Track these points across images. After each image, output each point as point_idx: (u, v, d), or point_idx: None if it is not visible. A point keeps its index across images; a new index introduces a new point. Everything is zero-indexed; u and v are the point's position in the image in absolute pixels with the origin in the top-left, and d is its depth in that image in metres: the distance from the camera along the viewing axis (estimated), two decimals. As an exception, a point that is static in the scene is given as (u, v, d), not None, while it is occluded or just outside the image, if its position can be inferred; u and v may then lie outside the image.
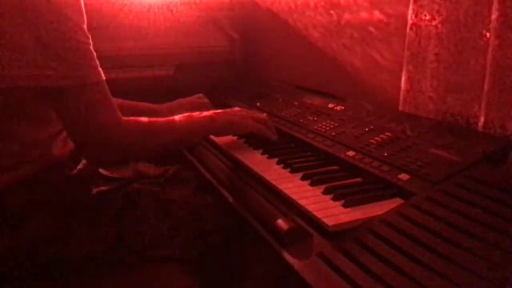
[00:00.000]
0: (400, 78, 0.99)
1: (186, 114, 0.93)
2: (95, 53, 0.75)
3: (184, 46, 1.59)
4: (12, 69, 0.68)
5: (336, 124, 0.97)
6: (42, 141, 0.79)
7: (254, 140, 1.01)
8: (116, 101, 1.14)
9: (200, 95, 1.30)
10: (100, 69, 0.75)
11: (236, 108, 1.04)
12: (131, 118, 0.82)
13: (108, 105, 0.77)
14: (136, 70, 1.49)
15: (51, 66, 0.69)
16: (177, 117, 0.90)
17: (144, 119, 0.85)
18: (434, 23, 0.90)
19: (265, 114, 1.04)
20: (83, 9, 0.73)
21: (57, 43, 0.69)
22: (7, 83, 0.69)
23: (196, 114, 0.94)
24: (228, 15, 1.68)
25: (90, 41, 0.74)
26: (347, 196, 0.69)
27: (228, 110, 1.01)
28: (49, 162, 0.80)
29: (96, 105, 0.75)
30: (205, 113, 0.95)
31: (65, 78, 0.70)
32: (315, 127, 0.99)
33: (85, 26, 0.73)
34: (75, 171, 0.85)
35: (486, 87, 0.80)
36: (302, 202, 0.69)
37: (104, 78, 0.76)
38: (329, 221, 0.62)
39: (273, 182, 0.78)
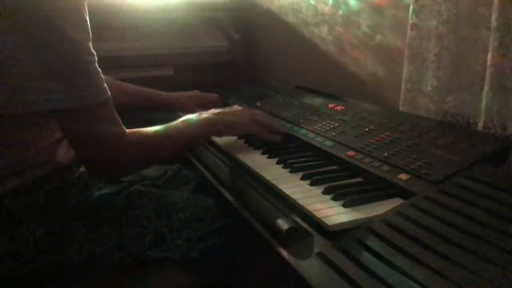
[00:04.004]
0: (400, 78, 0.99)
1: (187, 117, 0.92)
2: (100, 70, 0.74)
3: (184, 46, 1.59)
4: (17, 95, 0.67)
5: (336, 124, 0.97)
6: (46, 147, 0.79)
7: (254, 140, 1.01)
8: (123, 85, 1.13)
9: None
10: (105, 85, 0.74)
11: (237, 107, 1.03)
12: (135, 132, 0.81)
13: (112, 122, 0.76)
14: (136, 71, 1.50)
15: (54, 89, 0.68)
16: (179, 124, 0.90)
17: (148, 132, 0.84)
18: (434, 23, 0.90)
19: (264, 114, 1.04)
20: (88, 26, 0.72)
21: (60, 65, 0.68)
22: (13, 109, 0.68)
23: (195, 116, 0.93)
24: (228, 15, 1.68)
25: (95, 58, 0.73)
26: (347, 196, 0.69)
27: (228, 109, 1.00)
28: (52, 167, 0.80)
29: (99, 123, 0.74)
30: (204, 115, 0.94)
31: (68, 100, 0.69)
32: (315, 127, 0.99)
33: (90, 44, 0.72)
34: (76, 174, 0.85)
35: (486, 87, 0.80)
36: (302, 202, 0.69)
37: (109, 94, 0.75)
38: (329, 221, 0.62)
39: (273, 182, 0.78)
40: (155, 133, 0.85)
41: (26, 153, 0.76)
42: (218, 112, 0.97)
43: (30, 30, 0.65)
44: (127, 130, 0.79)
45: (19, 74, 0.66)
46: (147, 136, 0.83)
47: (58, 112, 0.71)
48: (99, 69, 0.74)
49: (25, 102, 0.67)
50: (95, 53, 0.73)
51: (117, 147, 0.77)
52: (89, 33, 0.72)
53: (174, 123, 0.90)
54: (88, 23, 0.72)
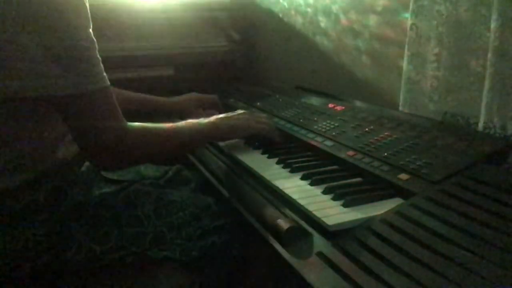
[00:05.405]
0: (400, 78, 0.99)
1: (190, 120, 0.93)
2: (100, 58, 0.74)
3: (184, 46, 1.59)
4: (19, 79, 0.67)
5: (336, 124, 0.97)
6: (47, 143, 0.79)
7: (254, 140, 1.01)
8: (122, 92, 1.14)
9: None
10: (105, 74, 0.74)
11: (239, 111, 1.03)
12: (136, 124, 0.81)
13: (113, 111, 0.76)
14: (136, 71, 1.49)
15: (55, 74, 0.68)
16: (181, 124, 0.90)
17: (149, 125, 0.84)
18: (434, 23, 0.90)
19: (265, 116, 1.04)
20: (88, 12, 0.72)
21: (61, 50, 0.68)
22: (14, 93, 0.68)
23: (199, 120, 0.94)
24: (228, 15, 1.68)
25: (96, 45, 0.73)
26: (347, 196, 0.69)
27: (231, 114, 1.00)
28: (53, 164, 0.80)
29: (100, 111, 0.74)
30: (208, 120, 0.95)
31: (69, 86, 0.69)
32: (315, 127, 0.99)
33: (90, 30, 0.72)
34: (77, 173, 0.85)
35: (486, 87, 0.80)
36: (302, 202, 0.69)
37: (109, 83, 0.75)
38: (329, 221, 0.62)
39: (273, 182, 0.78)
40: (158, 128, 0.86)
41: (26, 148, 0.76)
42: (221, 117, 0.97)
43: (30, 14, 0.65)
44: (130, 123, 0.79)
45: (18, 57, 0.66)
46: (149, 129, 0.84)
47: (58, 98, 0.71)
48: (99, 57, 0.74)
49: (26, 86, 0.68)
50: (95, 40, 0.73)
51: (117, 135, 0.77)
52: (89, 19, 0.72)
53: (178, 123, 0.91)
54: (88, 10, 0.72)
